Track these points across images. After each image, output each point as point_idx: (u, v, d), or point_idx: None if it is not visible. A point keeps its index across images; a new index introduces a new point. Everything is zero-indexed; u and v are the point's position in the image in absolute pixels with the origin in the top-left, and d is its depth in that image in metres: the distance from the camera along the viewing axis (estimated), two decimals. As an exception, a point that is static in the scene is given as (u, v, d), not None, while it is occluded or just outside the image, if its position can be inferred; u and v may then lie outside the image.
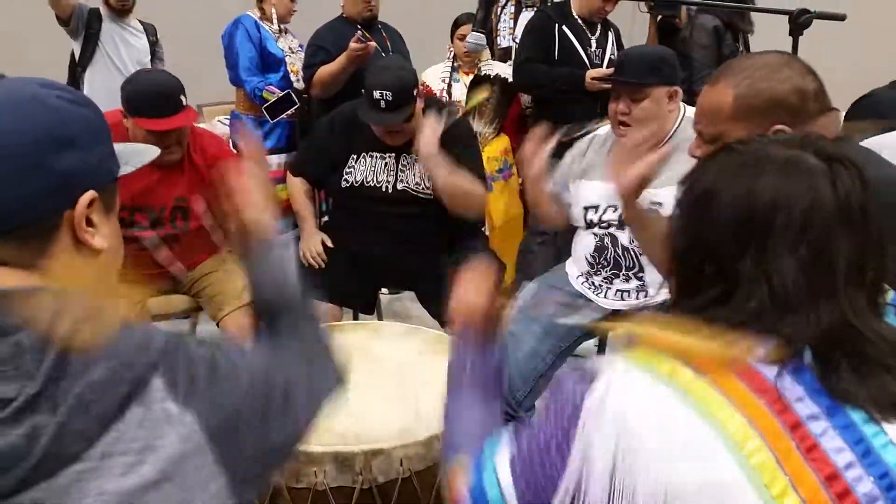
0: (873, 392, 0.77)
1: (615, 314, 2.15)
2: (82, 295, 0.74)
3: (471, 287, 1.12)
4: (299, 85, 3.39)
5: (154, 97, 2.14)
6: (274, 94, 3.24)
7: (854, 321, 0.79)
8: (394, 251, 2.48)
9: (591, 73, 2.99)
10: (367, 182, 2.50)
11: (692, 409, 0.75)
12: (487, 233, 3.27)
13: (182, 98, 2.19)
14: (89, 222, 0.77)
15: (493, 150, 3.40)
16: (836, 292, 0.79)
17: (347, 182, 2.51)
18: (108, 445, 0.66)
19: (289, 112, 3.27)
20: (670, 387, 0.77)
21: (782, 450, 0.74)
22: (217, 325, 2.40)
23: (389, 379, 1.72)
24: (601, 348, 2.57)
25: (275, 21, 3.40)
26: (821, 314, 0.78)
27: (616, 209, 2.10)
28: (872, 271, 0.82)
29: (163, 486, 0.68)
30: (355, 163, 2.51)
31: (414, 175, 2.48)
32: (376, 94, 2.31)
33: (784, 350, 0.78)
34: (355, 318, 2.70)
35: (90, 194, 0.76)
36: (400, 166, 2.48)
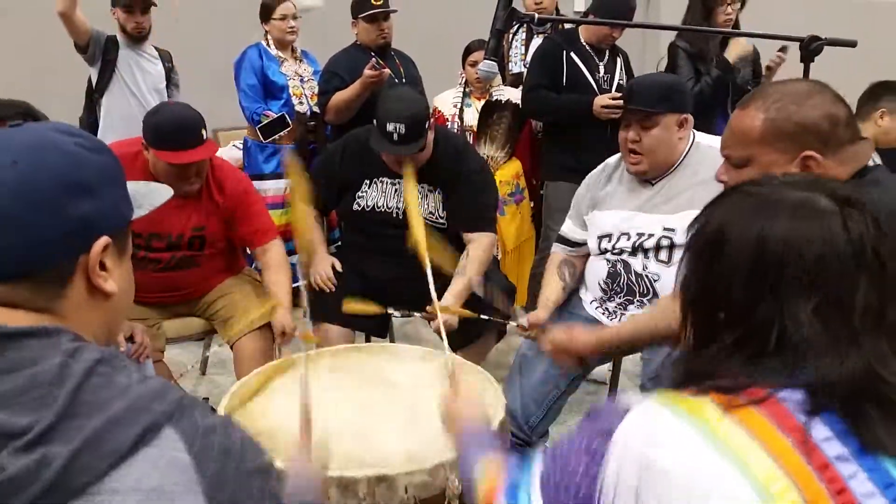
0: None
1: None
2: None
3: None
4: (302, 108, 3.52)
5: (176, 131, 2.18)
6: (269, 117, 3.46)
7: (878, 368, 0.77)
8: (405, 275, 2.48)
9: (598, 99, 3.00)
10: (379, 207, 2.52)
11: (716, 449, 0.74)
12: (499, 256, 3.28)
13: (203, 132, 2.23)
14: (102, 266, 0.79)
15: (505, 174, 3.41)
16: (857, 338, 0.77)
17: (359, 206, 2.53)
18: (118, 481, 0.66)
19: (281, 134, 3.47)
20: (695, 426, 0.76)
21: (812, 492, 0.72)
22: (231, 347, 2.41)
23: (402, 404, 1.70)
24: (615, 373, 2.55)
25: (271, 46, 3.55)
26: (843, 360, 0.76)
27: (629, 237, 2.10)
28: (892, 315, 0.80)
29: None
30: (368, 187, 2.53)
31: (428, 204, 2.50)
32: (389, 126, 2.32)
33: (809, 398, 0.76)
34: (367, 340, 2.70)
35: (104, 240, 0.78)
36: None
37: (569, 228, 2.32)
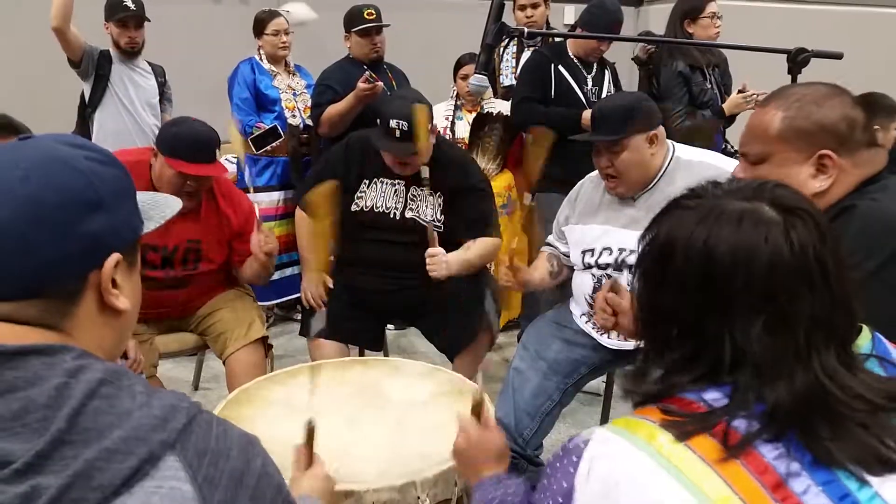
0: (854, 451, 0.75)
1: (619, 353, 2.15)
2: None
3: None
4: (295, 121, 3.56)
5: (193, 143, 2.21)
6: (261, 128, 3.51)
7: (825, 381, 0.77)
8: (398, 282, 2.48)
9: (587, 114, 3.02)
10: (377, 207, 2.51)
11: (671, 474, 0.74)
12: (492, 268, 3.28)
13: (217, 152, 2.26)
14: (114, 283, 0.76)
15: (497, 186, 3.43)
16: (803, 352, 0.78)
17: (358, 206, 2.52)
18: None
19: (273, 144, 3.52)
20: (648, 452, 0.76)
21: None
22: (223, 362, 2.40)
23: (391, 420, 1.69)
24: (609, 384, 2.56)
25: (264, 60, 3.60)
26: (793, 379, 0.77)
27: (611, 252, 2.11)
28: (841, 327, 0.80)
29: None
30: (367, 188, 2.53)
31: (426, 207, 2.50)
32: (392, 122, 2.34)
33: (766, 423, 0.76)
34: (361, 354, 2.69)
35: (115, 256, 0.76)
36: (410, 195, 2.50)
37: (554, 240, 2.37)
